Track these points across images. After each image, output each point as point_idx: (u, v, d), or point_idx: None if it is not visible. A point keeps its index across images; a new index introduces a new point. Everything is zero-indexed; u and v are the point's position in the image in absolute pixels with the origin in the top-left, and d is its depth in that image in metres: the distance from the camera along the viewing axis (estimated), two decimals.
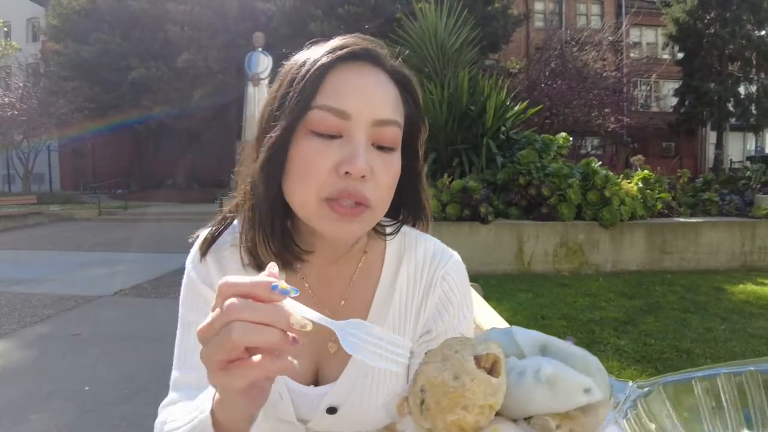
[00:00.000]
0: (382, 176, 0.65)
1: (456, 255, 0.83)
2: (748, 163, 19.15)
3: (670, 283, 5.49)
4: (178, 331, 0.77)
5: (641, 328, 3.96)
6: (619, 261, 6.23)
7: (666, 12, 23.09)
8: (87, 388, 3.21)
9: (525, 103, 7.67)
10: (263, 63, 18.04)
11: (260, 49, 17.45)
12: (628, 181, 6.71)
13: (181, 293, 0.78)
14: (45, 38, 21.65)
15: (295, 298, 0.47)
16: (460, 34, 7.78)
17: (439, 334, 0.79)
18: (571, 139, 7.54)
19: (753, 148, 26.84)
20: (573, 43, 20.90)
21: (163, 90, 17.71)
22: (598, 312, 4.37)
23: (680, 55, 23.31)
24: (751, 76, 22.03)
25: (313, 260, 0.75)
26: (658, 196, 6.63)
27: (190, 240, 0.79)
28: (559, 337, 0.51)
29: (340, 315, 0.72)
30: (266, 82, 18.05)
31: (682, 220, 6.51)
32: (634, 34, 26.25)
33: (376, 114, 0.64)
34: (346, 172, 0.62)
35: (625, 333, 3.85)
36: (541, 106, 10.46)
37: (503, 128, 7.26)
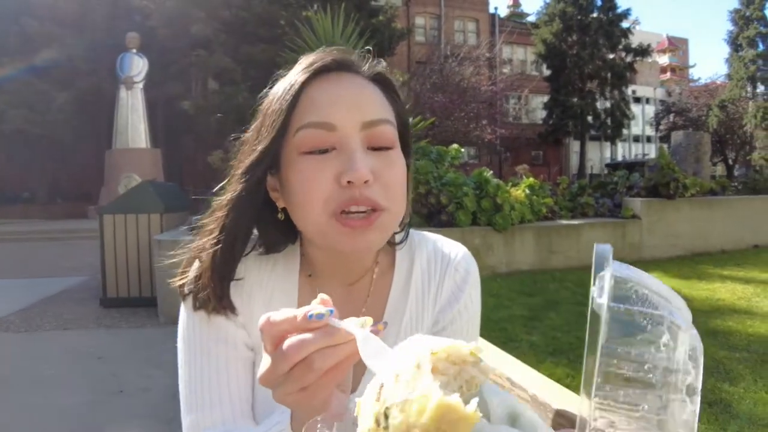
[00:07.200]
0: (387, 176, 0.63)
1: (464, 247, 0.82)
2: (606, 170, 21.67)
3: (561, 279, 5.97)
4: (184, 370, 0.70)
5: (546, 323, 4.24)
6: (512, 262, 6.64)
7: (535, 33, 25.50)
8: None
9: (419, 118, 7.90)
10: (137, 65, 16.67)
11: (134, 51, 16.13)
12: (516, 188, 7.21)
13: (182, 328, 0.72)
14: None
15: None
16: (357, 45, 7.83)
17: (445, 325, 0.78)
18: (462, 150, 7.92)
19: (609, 156, 30.50)
20: (452, 58, 22.07)
21: (20, 91, 15.70)
22: (505, 311, 4.61)
23: (548, 72, 25.82)
24: (606, 93, 25.08)
25: (328, 284, 0.73)
26: (542, 201, 7.20)
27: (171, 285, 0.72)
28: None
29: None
30: (141, 85, 16.74)
31: (564, 222, 7.12)
32: (507, 52, 28.50)
33: (364, 116, 0.62)
34: (349, 181, 0.59)
35: (534, 329, 4.10)
36: (434, 119, 10.88)
37: None
